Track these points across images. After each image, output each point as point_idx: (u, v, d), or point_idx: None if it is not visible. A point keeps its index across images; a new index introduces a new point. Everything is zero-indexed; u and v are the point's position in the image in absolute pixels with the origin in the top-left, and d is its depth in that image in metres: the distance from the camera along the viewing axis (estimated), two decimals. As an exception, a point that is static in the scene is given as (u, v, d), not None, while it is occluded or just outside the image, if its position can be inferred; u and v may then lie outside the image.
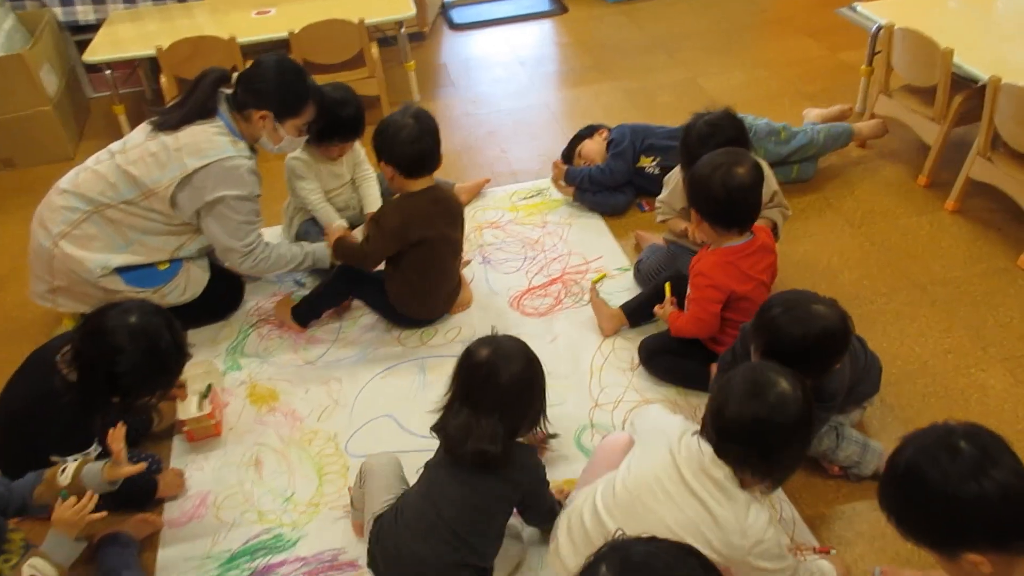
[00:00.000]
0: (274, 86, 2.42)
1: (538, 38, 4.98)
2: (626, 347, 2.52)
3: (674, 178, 2.68)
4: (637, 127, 3.20)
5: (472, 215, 3.21)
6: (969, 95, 2.97)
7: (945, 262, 2.76)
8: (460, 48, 4.93)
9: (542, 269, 2.92)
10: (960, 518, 1.31)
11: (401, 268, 2.52)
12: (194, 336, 2.67)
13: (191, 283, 2.63)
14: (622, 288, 2.79)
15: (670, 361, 2.38)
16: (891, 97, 3.28)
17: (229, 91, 2.47)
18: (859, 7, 3.52)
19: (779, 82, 4.11)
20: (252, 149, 2.52)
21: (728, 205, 2.09)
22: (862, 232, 2.95)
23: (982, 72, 2.78)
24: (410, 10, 3.99)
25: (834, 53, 4.36)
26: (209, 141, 2.38)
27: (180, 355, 1.98)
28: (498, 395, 1.67)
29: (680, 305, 2.36)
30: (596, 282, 2.83)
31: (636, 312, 2.54)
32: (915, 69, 3.10)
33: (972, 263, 2.74)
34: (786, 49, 4.47)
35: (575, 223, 3.15)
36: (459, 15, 5.37)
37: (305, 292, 2.82)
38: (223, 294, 2.79)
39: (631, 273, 2.84)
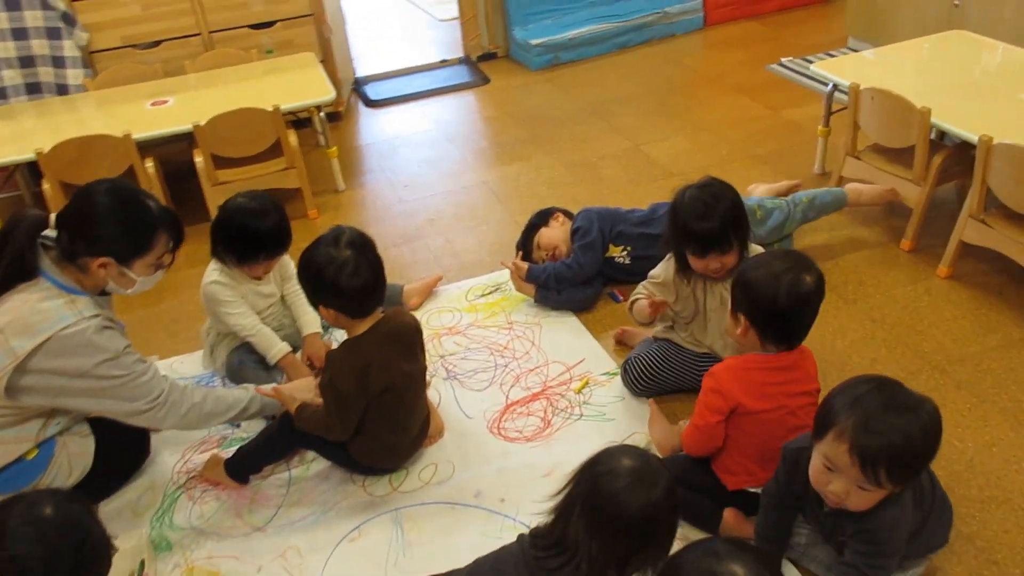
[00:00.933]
0: (110, 228, 1.92)
1: (463, 111, 4.71)
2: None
3: (663, 273, 2.38)
4: (604, 213, 2.91)
5: (426, 320, 2.84)
6: (948, 155, 2.84)
7: (956, 336, 2.56)
8: (380, 127, 4.59)
9: (518, 380, 2.56)
10: None
11: (363, 427, 2.12)
12: (105, 510, 2.18)
13: (75, 458, 2.09)
14: (614, 396, 2.46)
15: (684, 496, 2.03)
16: (860, 159, 3.13)
17: (51, 235, 1.94)
18: (812, 67, 3.39)
19: (727, 146, 3.94)
20: (103, 292, 2.04)
21: (790, 316, 1.79)
22: (858, 308, 2.73)
23: (966, 132, 2.65)
24: (329, 93, 3.63)
25: (776, 112, 4.25)
26: (36, 313, 1.85)
27: (108, 550, 1.52)
28: (622, 519, 1.39)
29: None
30: (579, 391, 2.49)
31: None
32: (888, 130, 2.95)
33: (984, 335, 2.55)
34: (725, 109, 4.34)
35: (544, 323, 2.82)
36: (374, 91, 5.05)
37: (243, 436, 2.38)
38: (122, 447, 2.24)
39: (619, 378, 2.52)
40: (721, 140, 4.00)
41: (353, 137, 4.49)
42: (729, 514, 1.97)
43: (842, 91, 3.15)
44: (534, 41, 5.07)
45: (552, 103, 4.64)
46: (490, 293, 3.01)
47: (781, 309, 1.77)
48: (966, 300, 2.71)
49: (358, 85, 5.15)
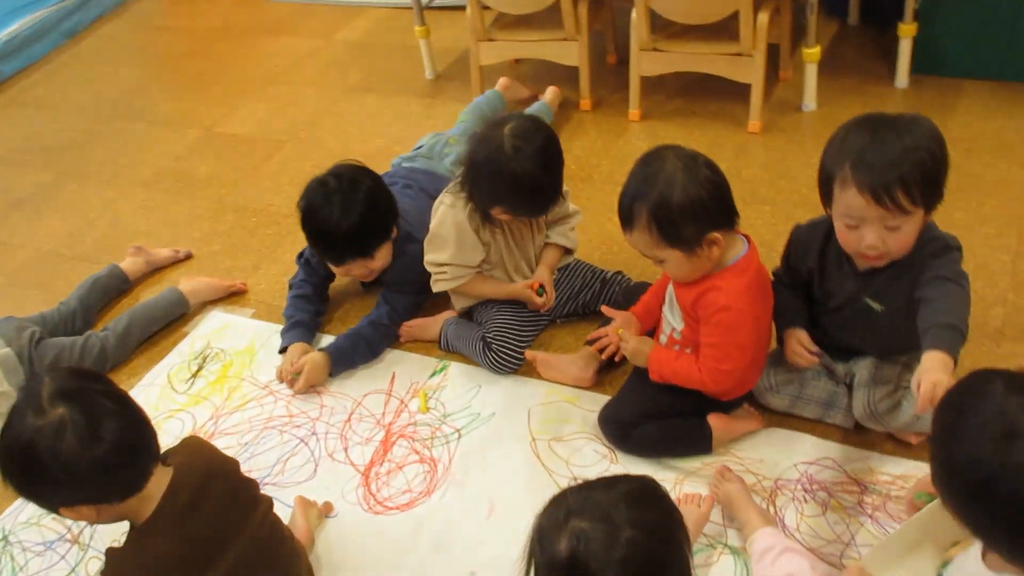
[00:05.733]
0: None
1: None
2: (581, 430, 2.03)
3: (446, 219, 2.15)
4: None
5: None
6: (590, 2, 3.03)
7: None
8: None
9: (346, 440, 2.14)
10: None
11: None
12: None
13: None
14: (466, 389, 2.21)
15: (657, 427, 1.93)
16: (494, 40, 3.18)
17: None
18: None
19: (311, 90, 3.69)
20: None
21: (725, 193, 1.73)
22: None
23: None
24: None
25: (328, 39, 4.09)
26: None
27: None
28: None
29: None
30: (425, 409, 2.19)
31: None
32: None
33: (714, 152, 2.85)
34: (269, 55, 4.06)
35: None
36: None
37: None
38: None
39: (451, 368, 2.27)
40: (296, 88, 3.74)
41: None
42: (716, 420, 1.92)
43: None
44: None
45: (46, 127, 3.81)
46: (199, 369, 2.43)
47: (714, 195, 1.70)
48: (674, 133, 2.98)
49: None
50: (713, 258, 1.73)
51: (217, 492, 1.50)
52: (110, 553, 1.46)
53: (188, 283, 2.60)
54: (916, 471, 1.82)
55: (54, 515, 1.99)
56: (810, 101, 2.93)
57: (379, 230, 2.24)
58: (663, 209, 1.66)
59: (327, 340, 2.37)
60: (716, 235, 1.70)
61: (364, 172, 2.25)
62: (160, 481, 1.43)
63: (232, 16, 4.52)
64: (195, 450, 1.55)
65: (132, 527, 1.46)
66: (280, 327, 2.41)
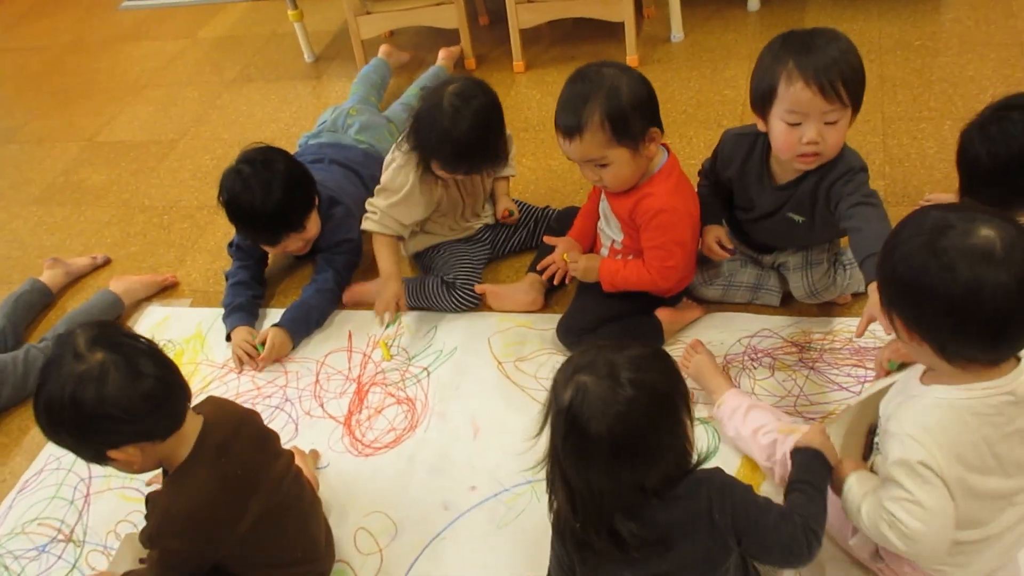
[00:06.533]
0: None
1: None
2: (541, 348, 2.19)
3: (398, 176, 2.25)
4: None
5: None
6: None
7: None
8: None
9: (321, 400, 2.22)
10: None
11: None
12: None
13: None
14: (425, 330, 2.33)
15: (611, 330, 2.10)
16: (372, 13, 3.28)
17: None
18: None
19: (196, 93, 3.68)
20: None
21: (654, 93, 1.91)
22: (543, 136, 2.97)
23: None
24: None
25: (193, 38, 4.06)
26: None
27: None
28: (600, 462, 1.23)
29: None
30: (389, 356, 2.29)
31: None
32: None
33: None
34: (133, 61, 4.01)
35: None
36: None
37: None
38: None
39: (404, 316, 2.38)
40: (174, 89, 3.73)
41: None
42: (664, 314, 2.12)
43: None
44: None
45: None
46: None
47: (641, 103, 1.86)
48: (559, 79, 3.15)
49: None
50: (650, 155, 1.91)
51: (247, 435, 1.59)
52: (152, 497, 1.54)
53: (119, 283, 2.60)
54: (840, 326, 2.09)
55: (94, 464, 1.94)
56: (677, 32, 3.18)
57: (303, 201, 2.33)
58: (615, 106, 1.80)
59: (272, 316, 2.43)
60: (655, 130, 1.88)
61: (273, 151, 2.33)
62: (193, 424, 1.52)
63: (82, 30, 4.41)
64: (220, 402, 1.65)
65: (167, 473, 1.53)
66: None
